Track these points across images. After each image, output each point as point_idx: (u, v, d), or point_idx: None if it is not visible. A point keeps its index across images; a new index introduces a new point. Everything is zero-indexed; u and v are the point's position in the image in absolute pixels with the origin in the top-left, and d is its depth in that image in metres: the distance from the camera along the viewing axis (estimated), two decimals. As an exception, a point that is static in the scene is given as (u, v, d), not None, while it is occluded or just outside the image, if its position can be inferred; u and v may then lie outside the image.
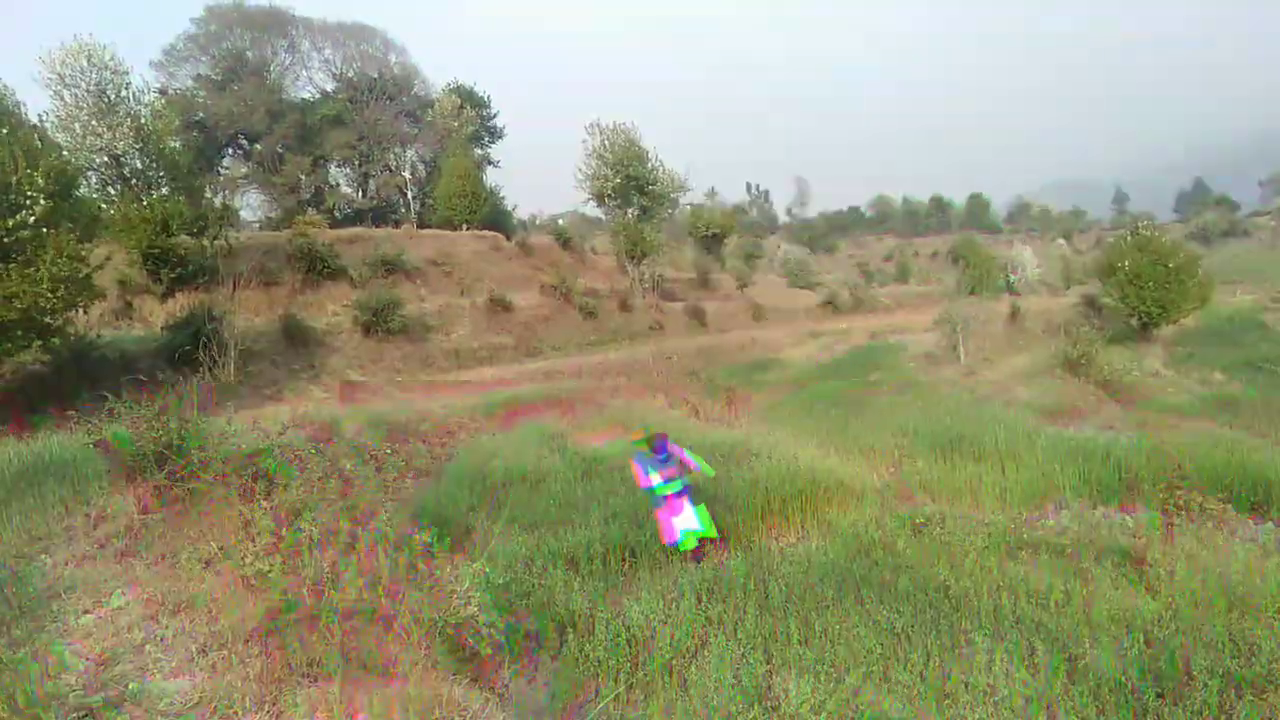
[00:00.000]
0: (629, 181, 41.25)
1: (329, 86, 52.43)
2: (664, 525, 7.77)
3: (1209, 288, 35.57)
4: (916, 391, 21.56)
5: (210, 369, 20.11)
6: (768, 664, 5.16)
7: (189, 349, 20.05)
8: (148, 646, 4.73)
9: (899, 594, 5.97)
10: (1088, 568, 6.30)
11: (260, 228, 43.98)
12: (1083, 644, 5.05)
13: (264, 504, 5.99)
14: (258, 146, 48.92)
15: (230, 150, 49.81)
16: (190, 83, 46.62)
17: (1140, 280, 33.30)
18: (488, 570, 5.19)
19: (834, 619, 5.58)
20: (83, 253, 17.03)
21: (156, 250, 25.54)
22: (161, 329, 23.24)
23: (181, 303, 25.35)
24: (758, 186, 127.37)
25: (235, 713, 3.97)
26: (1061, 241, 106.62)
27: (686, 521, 7.81)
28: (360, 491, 6.30)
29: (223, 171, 48.68)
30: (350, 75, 52.05)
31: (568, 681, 5.24)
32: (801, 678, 4.87)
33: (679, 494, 7.90)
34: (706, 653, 5.41)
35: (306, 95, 51.99)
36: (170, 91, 41.92)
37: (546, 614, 5.86)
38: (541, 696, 4.98)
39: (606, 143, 41.39)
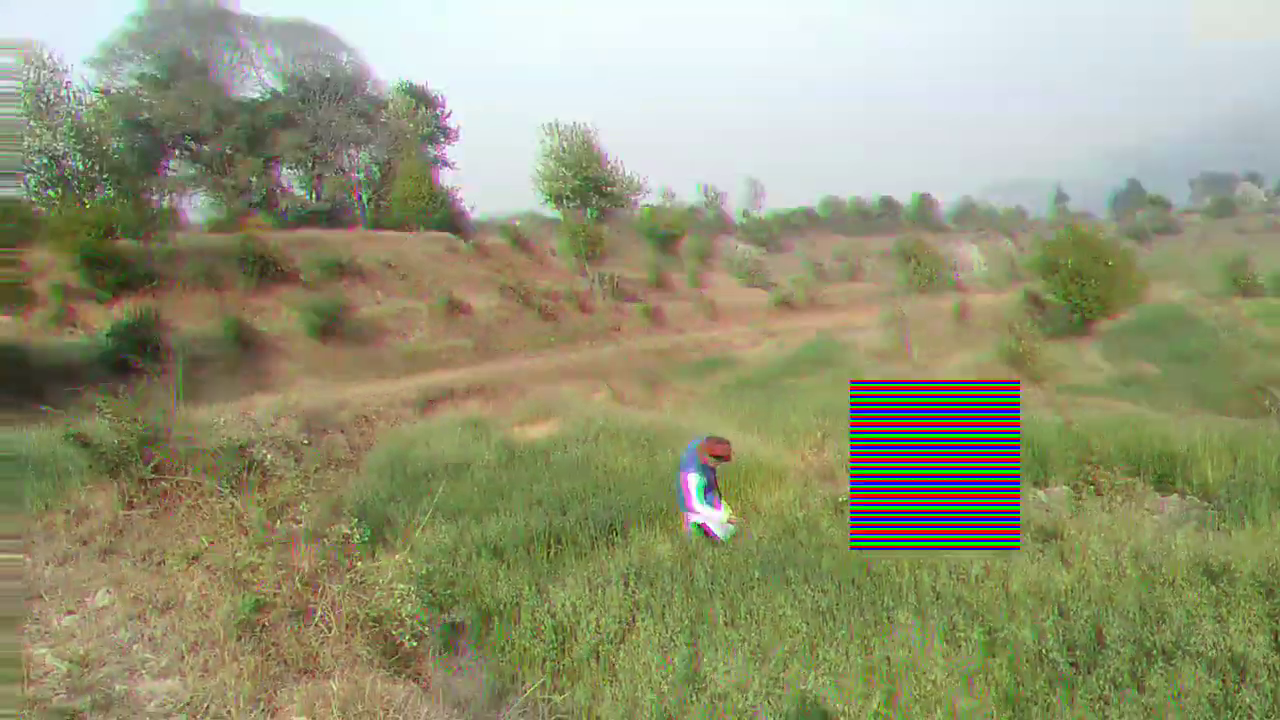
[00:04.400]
0: (587, 183, 41.24)
1: (278, 86, 51.65)
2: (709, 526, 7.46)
3: (1144, 284, 36.64)
4: (834, 373, 22.03)
5: (155, 377, 19.69)
6: (694, 646, 5.23)
7: (133, 356, 19.70)
8: (134, 647, 4.66)
9: (823, 573, 6.09)
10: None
11: (209, 229, 43.22)
12: (1001, 617, 5.24)
13: (257, 496, 5.96)
14: (205, 148, 48.02)
15: (177, 152, 48.81)
16: (133, 81, 45.58)
17: (1081, 277, 34.22)
18: (410, 562, 5.26)
19: (759, 599, 5.67)
20: (9, 258, 16.54)
21: (99, 255, 25.04)
22: (105, 336, 22.84)
23: (126, 308, 24.91)
24: (713, 187, 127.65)
25: (228, 712, 3.97)
26: (1007, 241, 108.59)
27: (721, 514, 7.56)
28: (279, 483, 6.32)
29: (169, 173, 47.70)
30: (300, 75, 51.30)
31: (494, 671, 5.33)
32: (729, 658, 4.98)
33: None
34: (634, 637, 5.54)
35: (255, 95, 51.16)
36: (113, 91, 40.98)
37: (472, 603, 5.95)
38: (467, 687, 5.07)
39: (564, 144, 41.33)
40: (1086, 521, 7.11)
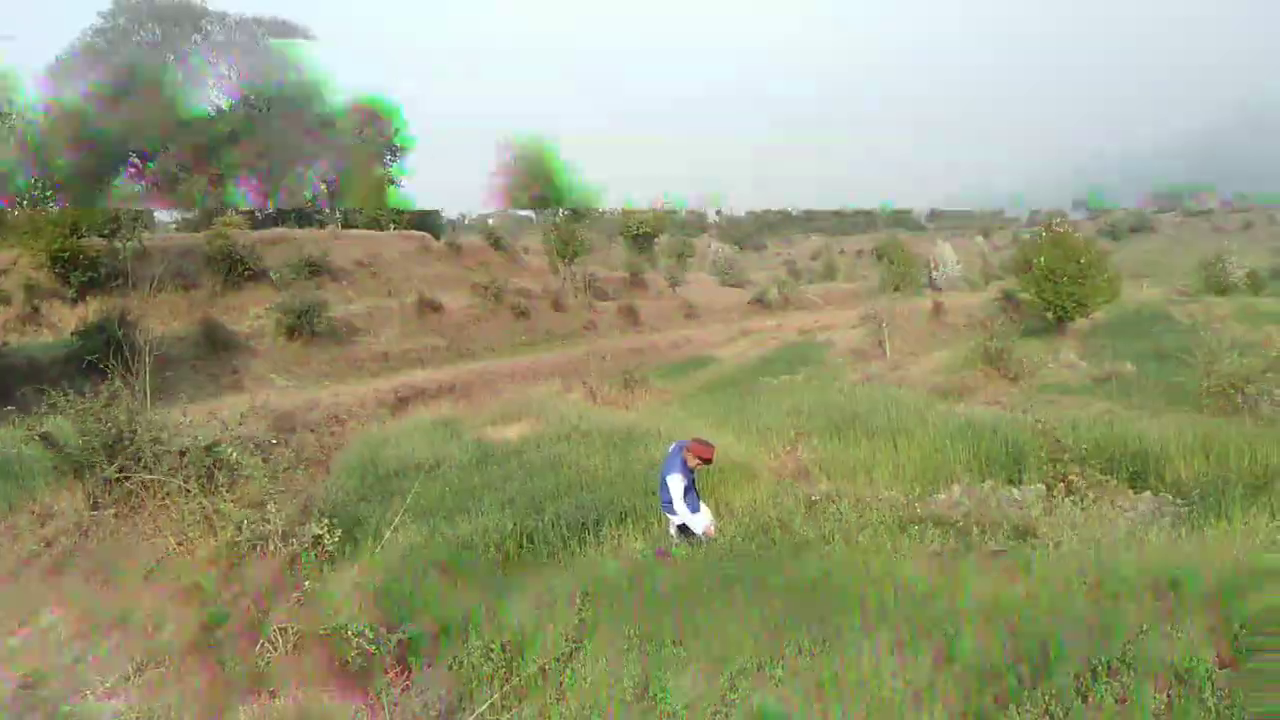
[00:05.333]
0: (547, 194, 40.97)
1: (224, 104, 50.98)
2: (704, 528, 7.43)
3: (1118, 282, 37.07)
4: (810, 372, 22.14)
5: (123, 376, 19.30)
6: (644, 663, 5.13)
7: (100, 356, 19.30)
8: (80, 665, 4.58)
9: (772, 590, 6.00)
10: (977, 540, 6.49)
11: (177, 229, 42.62)
12: (950, 633, 5.19)
13: (226, 496, 5.82)
14: (151, 165, 47.32)
15: (124, 169, 48.04)
16: (79, 97, 44.81)
17: (1055, 276, 34.56)
18: (359, 581, 5.15)
19: (706, 617, 5.59)
20: None
21: (65, 253, 24.64)
22: (72, 335, 22.48)
23: (94, 307, 24.55)
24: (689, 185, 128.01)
25: None
26: (980, 239, 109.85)
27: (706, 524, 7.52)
28: (247, 483, 6.19)
29: (119, 188, 46.95)
30: (248, 93, 50.62)
31: (442, 689, 5.23)
32: (679, 675, 4.87)
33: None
34: (583, 655, 5.39)
35: (205, 110, 50.46)
36: (59, 106, 40.20)
37: (422, 620, 5.83)
38: (416, 705, 4.96)
39: (521, 155, 40.90)
40: (1059, 520, 7.11)
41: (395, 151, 55.08)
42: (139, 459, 6.64)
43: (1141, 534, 6.33)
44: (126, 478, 6.58)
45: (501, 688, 5.23)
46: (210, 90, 50.96)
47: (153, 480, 6.36)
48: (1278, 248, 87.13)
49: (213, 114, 50.10)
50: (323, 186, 51.37)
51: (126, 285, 26.09)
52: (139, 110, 44.72)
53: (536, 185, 40.63)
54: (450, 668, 5.46)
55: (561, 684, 5.21)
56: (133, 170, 48.26)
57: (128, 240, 26.73)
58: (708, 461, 7.54)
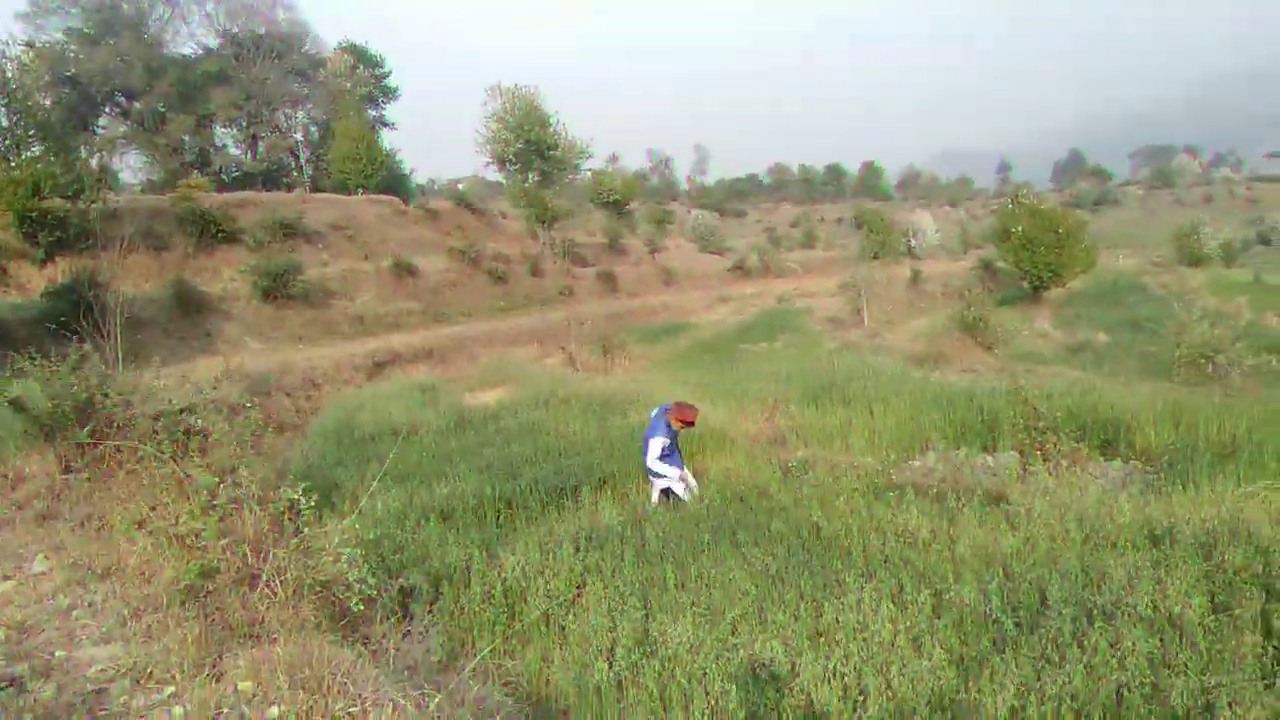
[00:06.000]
0: (530, 146, 40.51)
1: (211, 42, 49.88)
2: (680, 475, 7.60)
3: (1094, 252, 37.35)
4: (789, 340, 22.25)
5: (92, 338, 19.02)
6: (645, 609, 5.24)
7: (70, 318, 19.01)
8: (74, 613, 4.53)
9: (773, 537, 6.11)
10: (954, 508, 6.60)
11: (142, 191, 41.76)
12: (948, 579, 5.28)
13: (199, 460, 5.78)
14: (137, 105, 46.22)
15: (107, 109, 46.93)
16: (60, 35, 43.67)
17: (1032, 245, 34.74)
18: (357, 526, 5.14)
19: (710, 563, 5.68)
20: None
21: (32, 213, 24.09)
22: (41, 295, 22.08)
23: (62, 268, 24.09)
24: (659, 153, 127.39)
25: (172, 676, 3.85)
26: (948, 208, 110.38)
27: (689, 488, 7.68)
28: (217, 446, 6.14)
29: (99, 131, 45.92)
30: (234, 31, 49.55)
31: (444, 635, 5.27)
32: (679, 621, 4.96)
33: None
34: (584, 601, 5.50)
35: (187, 52, 49.36)
36: (38, 45, 39.19)
37: (421, 568, 5.86)
38: (417, 652, 4.99)
39: (508, 105, 40.48)
40: (1032, 486, 7.21)
41: (385, 95, 54.43)
42: (111, 423, 6.56)
43: (1111, 500, 6.43)
44: (98, 442, 6.49)
45: (504, 633, 5.28)
46: (196, 28, 50.03)
47: (126, 445, 6.29)
48: (1241, 221, 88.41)
49: (197, 55, 49.09)
50: (313, 130, 50.55)
51: (96, 246, 25.49)
52: (121, 49, 43.67)
53: (523, 136, 40.24)
54: (451, 614, 5.50)
55: (564, 629, 5.27)
56: (117, 110, 47.27)
57: (92, 201, 26.02)
58: (690, 424, 7.69)
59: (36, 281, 23.82)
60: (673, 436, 7.54)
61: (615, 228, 51.62)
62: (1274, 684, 3.99)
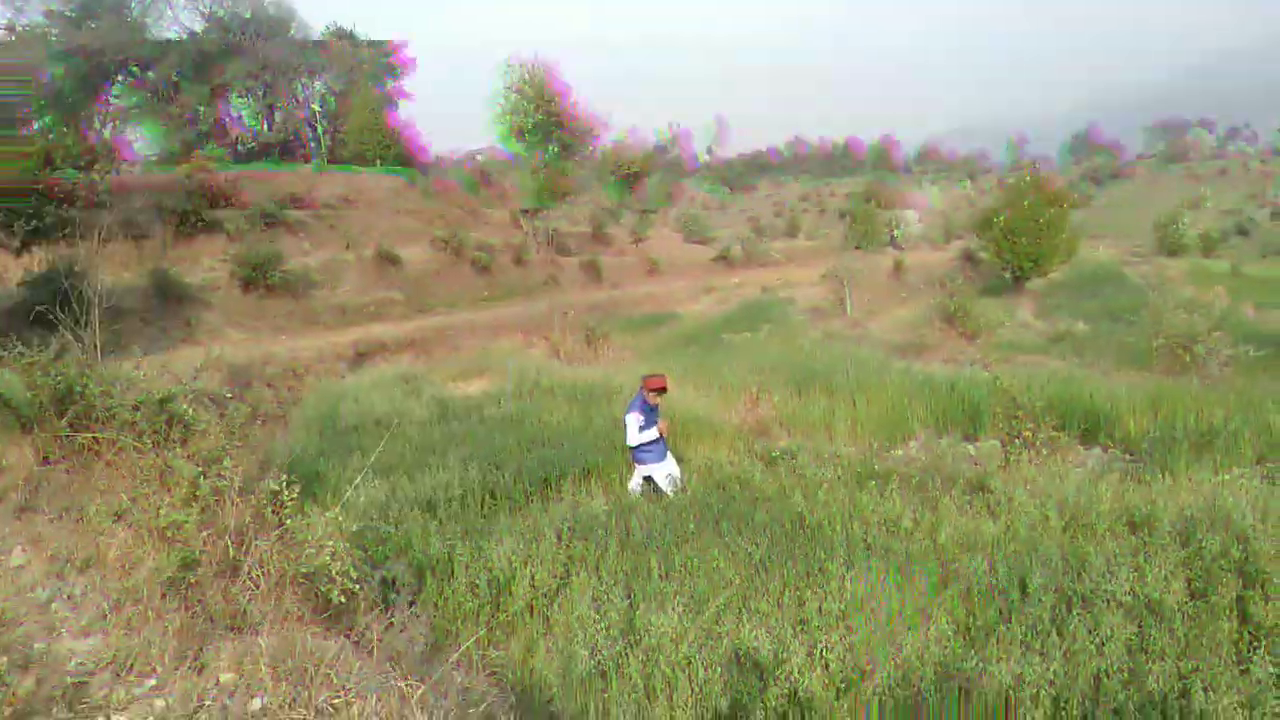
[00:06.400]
0: (549, 119, 40.32)
1: (197, 27, 49.21)
2: (656, 478, 7.70)
3: (1075, 242, 37.60)
4: (772, 329, 22.30)
5: (71, 328, 18.79)
6: (630, 599, 5.26)
7: (48, 307, 18.78)
8: (54, 605, 4.49)
9: (757, 526, 6.15)
10: (936, 496, 6.65)
11: (157, 162, 41.18)
12: (930, 566, 5.33)
13: (180, 451, 5.73)
14: (150, 74, 45.56)
15: (120, 78, 46.18)
16: (40, 20, 43.00)
17: (1014, 235, 34.91)
18: (340, 517, 5.12)
19: (694, 552, 5.70)
20: None
21: (39, 187, 23.48)
22: (18, 285, 21.83)
23: (39, 258, 23.81)
24: (678, 125, 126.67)
25: (154, 669, 3.83)
26: (967, 184, 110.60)
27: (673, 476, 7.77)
28: (199, 437, 6.10)
29: (113, 101, 45.30)
30: (220, 14, 48.90)
31: (427, 626, 5.26)
32: (663, 610, 4.98)
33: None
34: (569, 591, 5.52)
35: (171, 36, 48.69)
36: (19, 28, 38.58)
37: (405, 559, 5.85)
38: (401, 642, 4.99)
39: (525, 78, 40.25)
40: (1013, 474, 7.27)
41: (391, 73, 53.88)
42: (91, 414, 6.49)
43: (1090, 488, 6.50)
44: (78, 433, 6.42)
45: (488, 623, 5.29)
46: (180, 12, 49.28)
47: (105, 436, 6.23)
48: (1252, 193, 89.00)
49: (181, 39, 48.38)
50: (330, 99, 49.80)
51: (74, 235, 25.15)
52: (104, 31, 42.94)
53: (538, 107, 40.07)
54: (436, 605, 5.50)
55: (548, 619, 5.30)
56: (130, 79, 46.50)
57: (106, 172, 25.62)
58: (662, 390, 7.81)
59: (13, 271, 23.54)
60: (648, 410, 7.62)
61: (600, 216, 51.43)
62: (1249, 668, 4.05)
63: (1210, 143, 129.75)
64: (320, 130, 49.77)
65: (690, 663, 4.41)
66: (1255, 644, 4.31)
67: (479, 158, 69.83)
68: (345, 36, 50.80)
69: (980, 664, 4.20)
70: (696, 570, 5.51)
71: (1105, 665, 4.10)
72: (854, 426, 10.67)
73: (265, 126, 50.00)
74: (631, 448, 7.69)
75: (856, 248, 45.77)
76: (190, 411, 6.44)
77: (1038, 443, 8.39)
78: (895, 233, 59.04)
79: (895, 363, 15.42)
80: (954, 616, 4.77)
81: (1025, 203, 34.98)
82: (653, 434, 7.57)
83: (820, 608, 4.93)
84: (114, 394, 6.66)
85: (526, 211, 41.09)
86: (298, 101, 50.33)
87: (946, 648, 4.44)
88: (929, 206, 62.00)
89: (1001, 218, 35.31)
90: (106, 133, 28.98)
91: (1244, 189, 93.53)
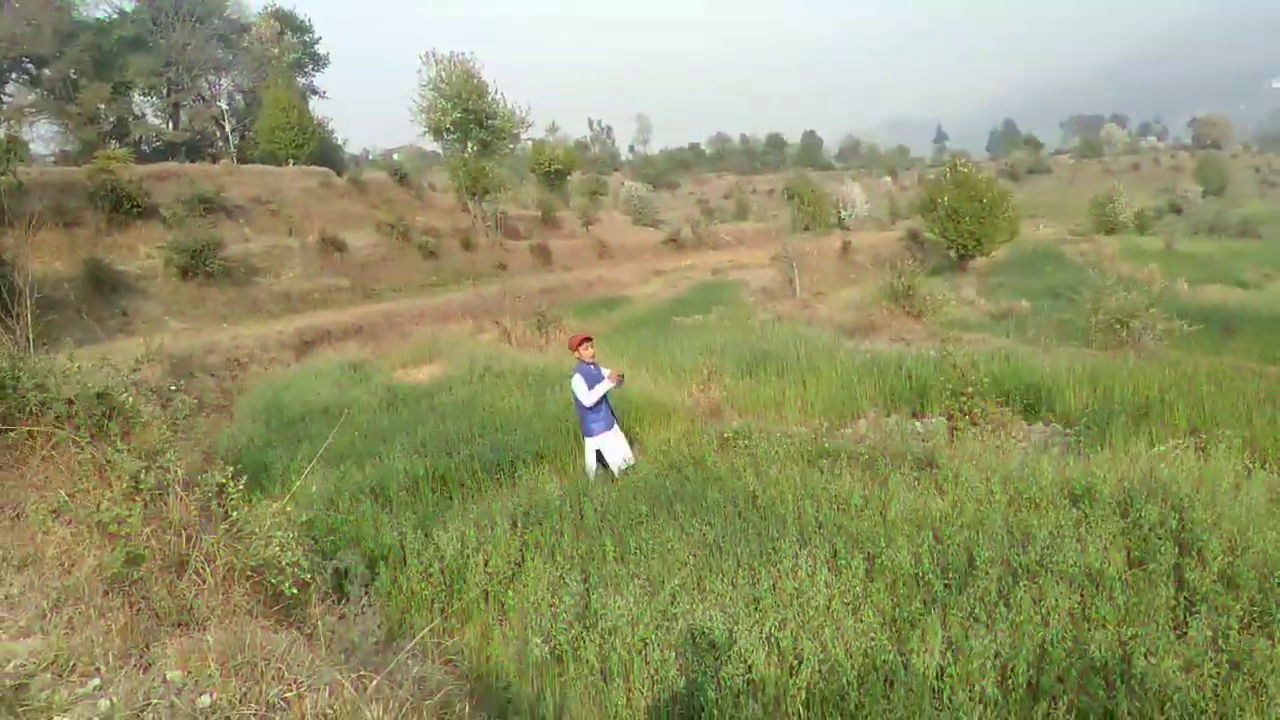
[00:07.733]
0: (468, 115, 39.69)
1: (127, 6, 47.50)
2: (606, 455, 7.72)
3: (1017, 222, 38.41)
4: (723, 311, 22.44)
5: (1, 321, 18.07)
6: (585, 582, 5.26)
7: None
8: None
9: (710, 506, 6.19)
10: (885, 473, 6.75)
11: (55, 163, 39.73)
12: (880, 544, 5.40)
13: (121, 444, 5.54)
14: (46, 71, 43.85)
15: (15, 76, 44.45)
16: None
17: (958, 215, 35.56)
18: (289, 508, 5.03)
19: (648, 534, 5.72)
20: None
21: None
22: (-58, 277, 21.00)
23: (-35, 247, 22.89)
24: (600, 123, 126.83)
25: (98, 668, 3.71)
26: (888, 179, 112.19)
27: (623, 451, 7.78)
28: (144, 431, 5.94)
29: (6, 100, 43.53)
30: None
31: (381, 615, 5.21)
32: (619, 593, 4.99)
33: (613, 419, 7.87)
34: (524, 576, 5.50)
35: (101, 16, 46.96)
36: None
37: (356, 549, 5.78)
38: (354, 633, 4.93)
39: (443, 74, 39.54)
40: (959, 450, 7.41)
41: (315, 62, 52.51)
42: (24, 408, 6.27)
43: (1034, 463, 6.65)
44: (10, 429, 6.20)
45: (442, 611, 5.24)
46: None
47: (40, 430, 6.02)
48: (1163, 188, 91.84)
49: (111, 18, 46.53)
50: (238, 98, 48.37)
51: (2, 223, 24.22)
52: (27, 12, 41.09)
53: (461, 106, 39.37)
54: (389, 594, 5.44)
55: (504, 605, 5.27)
56: (25, 78, 44.57)
57: (1, 174, 24.65)
58: (587, 341, 7.86)
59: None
60: (588, 369, 7.66)
61: (549, 200, 51.12)
62: (1186, 633, 4.19)
63: (1123, 137, 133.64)
64: (229, 129, 48.52)
65: (646, 644, 4.42)
66: (1192, 609, 4.46)
67: (396, 157, 69.00)
68: (281, 18, 49.50)
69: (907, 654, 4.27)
70: (651, 552, 5.53)
71: (1050, 634, 4.21)
72: (804, 406, 10.77)
73: (170, 125, 48.54)
74: (582, 421, 7.71)
75: (805, 229, 46.06)
76: (131, 403, 6.26)
77: (984, 418, 8.56)
78: (843, 214, 59.65)
79: (844, 342, 15.61)
80: (896, 596, 4.85)
81: (944, 198, 35.68)
82: (608, 384, 7.59)
83: (774, 585, 4.97)
84: (49, 387, 6.44)
85: (475, 195, 40.57)
86: (205, 100, 48.97)
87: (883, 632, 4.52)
88: (854, 204, 62.68)
89: (946, 198, 35.90)
90: (2, 131, 27.72)
91: (1156, 184, 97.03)
